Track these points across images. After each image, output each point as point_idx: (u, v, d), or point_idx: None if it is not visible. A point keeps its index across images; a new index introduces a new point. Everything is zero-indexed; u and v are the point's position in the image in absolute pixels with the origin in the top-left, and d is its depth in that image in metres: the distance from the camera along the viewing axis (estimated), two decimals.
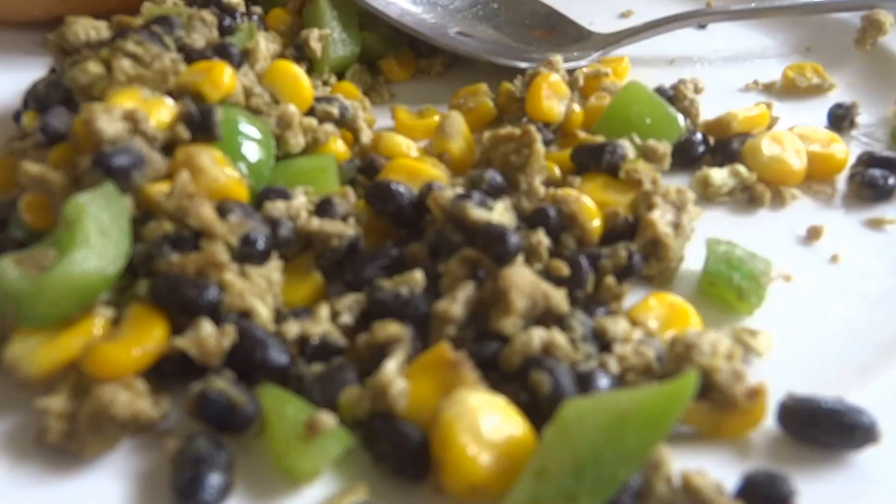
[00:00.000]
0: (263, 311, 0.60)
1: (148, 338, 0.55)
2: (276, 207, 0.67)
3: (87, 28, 0.82)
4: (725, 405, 0.53)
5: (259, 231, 0.63)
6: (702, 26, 1.08)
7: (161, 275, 0.58)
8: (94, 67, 0.73)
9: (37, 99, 0.78)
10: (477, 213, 0.63)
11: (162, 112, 0.68)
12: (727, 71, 0.99)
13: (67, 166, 0.65)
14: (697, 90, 0.89)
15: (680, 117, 0.82)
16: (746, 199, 0.78)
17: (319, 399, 0.55)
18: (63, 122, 0.69)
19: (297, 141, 0.76)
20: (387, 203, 0.69)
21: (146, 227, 0.61)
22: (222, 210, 0.63)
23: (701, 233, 0.71)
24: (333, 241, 0.66)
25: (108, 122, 0.62)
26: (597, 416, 0.47)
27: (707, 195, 0.78)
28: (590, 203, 0.70)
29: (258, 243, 0.62)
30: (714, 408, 0.53)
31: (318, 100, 0.82)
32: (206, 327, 0.56)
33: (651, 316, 0.63)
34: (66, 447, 0.53)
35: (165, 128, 0.67)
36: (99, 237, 0.57)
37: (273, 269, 0.63)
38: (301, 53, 0.94)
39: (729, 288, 0.64)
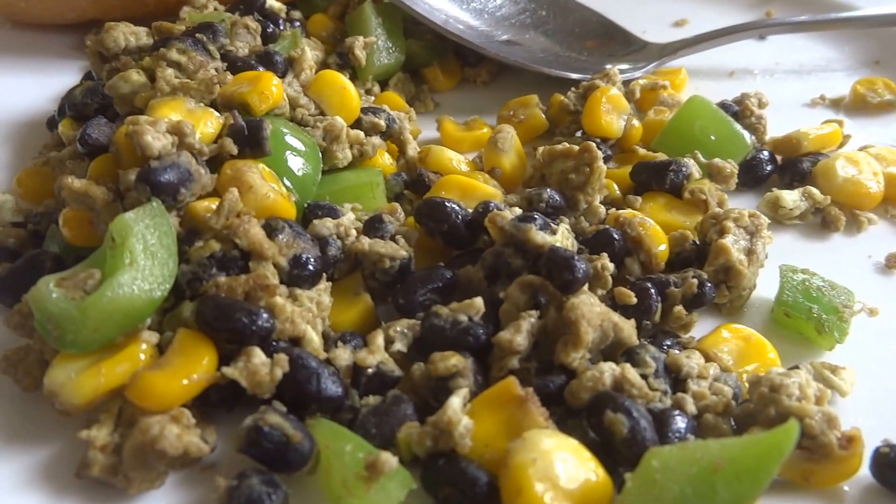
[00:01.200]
0: (315, 338, 0.57)
1: (197, 367, 0.52)
2: (325, 225, 0.64)
3: (127, 34, 0.79)
4: (818, 453, 0.49)
5: (309, 251, 0.60)
6: (762, 37, 1.04)
7: (209, 298, 0.55)
8: (136, 76, 0.70)
9: (73, 106, 0.76)
10: (540, 236, 0.59)
11: (208, 124, 0.65)
12: (790, 85, 0.94)
13: (108, 180, 0.62)
14: (762, 105, 0.84)
15: (746, 135, 0.78)
16: (818, 222, 0.74)
17: (376, 434, 0.52)
18: (103, 133, 0.66)
19: (345, 154, 0.73)
20: (440, 222, 0.65)
21: (193, 247, 0.58)
22: (270, 229, 0.60)
23: (770, 258, 0.67)
24: (385, 262, 0.63)
25: (155, 136, 0.59)
26: (685, 466, 0.43)
27: (777, 218, 0.73)
28: (655, 226, 0.66)
29: (309, 265, 0.59)
30: (805, 456, 0.49)
31: (363, 111, 0.78)
32: (258, 356, 0.53)
33: (724, 349, 0.59)
34: (109, 481, 0.50)
35: (210, 140, 0.64)
36: (146, 258, 0.54)
37: (323, 291, 0.60)
38: (344, 61, 0.90)
39: (808, 321, 0.60)
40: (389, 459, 0.48)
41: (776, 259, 0.67)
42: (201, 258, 0.57)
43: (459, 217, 0.65)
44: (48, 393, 0.52)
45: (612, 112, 0.81)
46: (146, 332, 0.54)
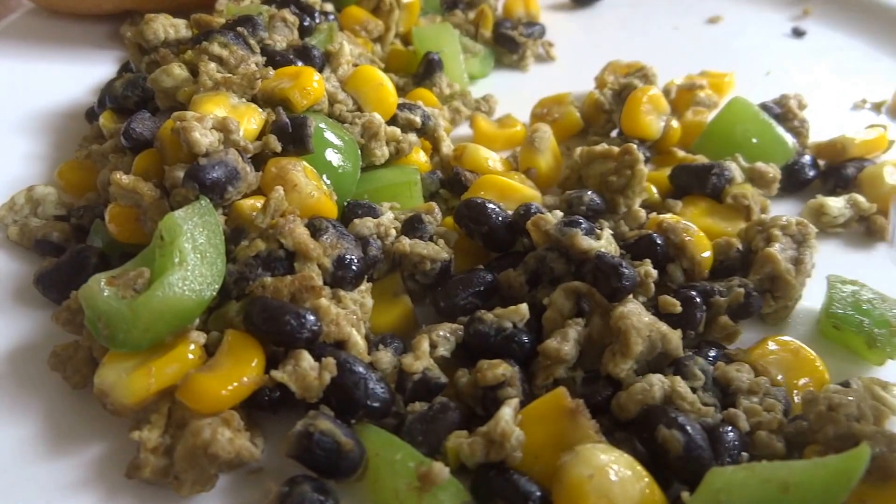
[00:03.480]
0: (359, 341, 0.56)
1: (246, 369, 0.52)
2: (365, 225, 0.64)
3: (166, 26, 0.78)
4: (878, 476, 0.48)
5: (352, 252, 0.59)
6: (799, 34, 1.03)
7: (256, 300, 0.55)
8: (179, 70, 0.69)
9: (114, 99, 0.75)
10: (586, 241, 0.59)
11: (251, 120, 0.64)
12: (830, 86, 0.93)
13: (153, 176, 0.61)
14: (801, 107, 0.83)
15: (790, 138, 0.77)
16: (862, 230, 0.73)
17: (423, 442, 0.51)
18: (147, 128, 0.65)
19: (383, 152, 0.72)
20: (481, 224, 0.64)
21: (238, 247, 0.58)
22: (314, 229, 0.59)
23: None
24: (426, 264, 0.63)
25: (203, 133, 0.58)
26: (749, 489, 0.43)
27: (820, 225, 0.72)
28: (700, 232, 0.65)
29: (353, 266, 0.58)
30: (863, 478, 0.48)
31: (399, 107, 0.77)
32: (307, 360, 0.52)
33: (772, 362, 0.58)
34: (160, 483, 0.50)
35: (253, 137, 0.64)
36: (195, 258, 0.54)
37: (365, 293, 0.60)
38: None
39: (858, 334, 0.59)
40: (443, 470, 0.47)
41: (820, 269, 0.66)
42: (247, 258, 0.57)
43: (500, 219, 0.65)
44: (98, 393, 0.52)
45: (651, 112, 0.79)
46: (194, 333, 0.54)
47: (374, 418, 0.53)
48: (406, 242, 0.63)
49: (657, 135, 0.79)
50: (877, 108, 0.89)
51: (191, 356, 0.53)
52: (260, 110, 0.66)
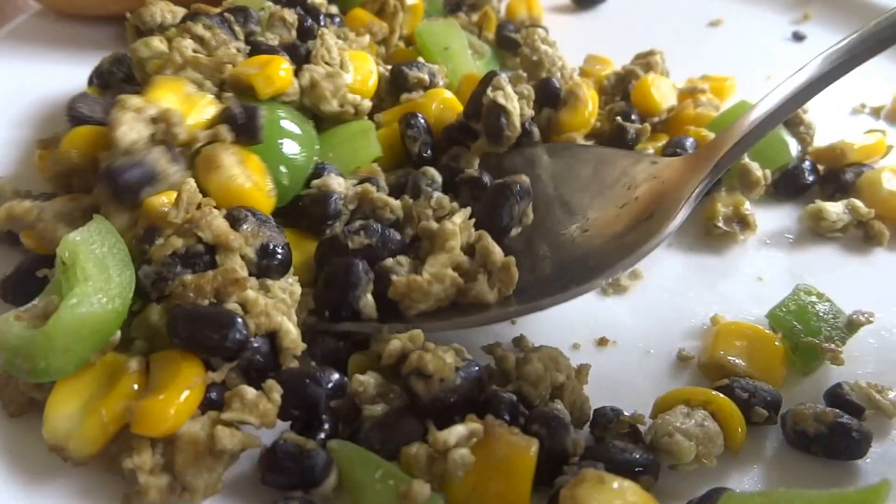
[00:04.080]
0: (292, 329, 0.54)
1: (186, 379, 0.49)
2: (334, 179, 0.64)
3: (164, 11, 0.78)
4: None
5: (276, 239, 0.56)
6: (799, 38, 1.02)
7: (174, 311, 0.52)
8: (158, 43, 0.68)
9: (100, 75, 0.75)
10: (490, 95, 0.68)
11: (204, 111, 0.62)
12: (829, 90, 0.91)
13: (88, 154, 0.61)
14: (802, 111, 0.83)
15: (794, 143, 0.76)
16: (861, 236, 0.71)
17: (380, 450, 0.50)
18: (91, 109, 0.66)
19: (333, 104, 0.70)
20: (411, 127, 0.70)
21: (153, 246, 0.54)
22: (233, 219, 0.56)
23: (808, 270, 0.67)
24: (386, 211, 0.63)
25: (130, 128, 0.56)
26: None
27: (819, 230, 0.71)
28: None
29: (277, 253, 0.56)
30: None
31: (408, 66, 0.79)
32: (249, 393, 0.50)
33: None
34: (171, 500, 0.48)
35: (205, 127, 0.61)
36: (99, 272, 0.51)
37: (294, 281, 0.58)
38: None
39: (786, 338, 0.59)
40: (423, 488, 0.45)
41: (818, 274, 0.67)
42: (163, 257, 0.54)
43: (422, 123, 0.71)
44: (54, 448, 0.49)
45: (662, 89, 0.82)
46: (132, 362, 0.51)
47: (337, 398, 0.52)
48: (373, 189, 0.64)
49: (660, 111, 0.81)
50: (875, 112, 0.88)
51: (135, 386, 0.50)
52: (216, 100, 0.64)
